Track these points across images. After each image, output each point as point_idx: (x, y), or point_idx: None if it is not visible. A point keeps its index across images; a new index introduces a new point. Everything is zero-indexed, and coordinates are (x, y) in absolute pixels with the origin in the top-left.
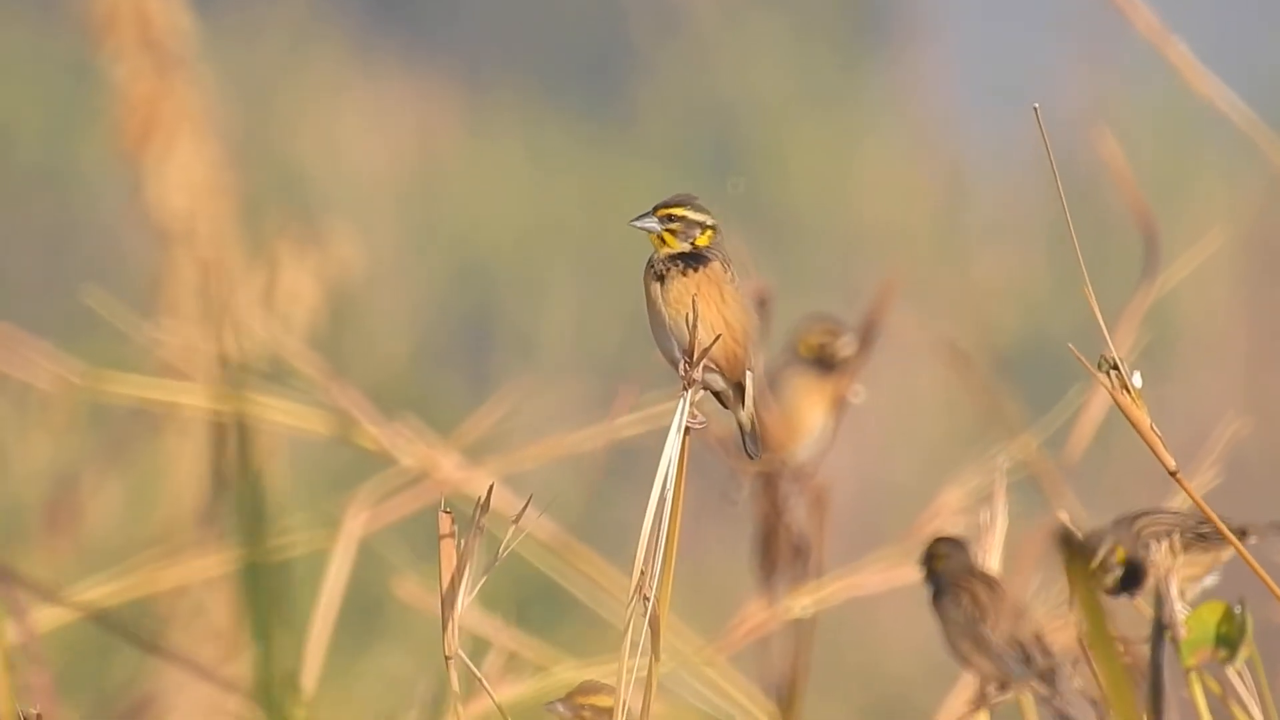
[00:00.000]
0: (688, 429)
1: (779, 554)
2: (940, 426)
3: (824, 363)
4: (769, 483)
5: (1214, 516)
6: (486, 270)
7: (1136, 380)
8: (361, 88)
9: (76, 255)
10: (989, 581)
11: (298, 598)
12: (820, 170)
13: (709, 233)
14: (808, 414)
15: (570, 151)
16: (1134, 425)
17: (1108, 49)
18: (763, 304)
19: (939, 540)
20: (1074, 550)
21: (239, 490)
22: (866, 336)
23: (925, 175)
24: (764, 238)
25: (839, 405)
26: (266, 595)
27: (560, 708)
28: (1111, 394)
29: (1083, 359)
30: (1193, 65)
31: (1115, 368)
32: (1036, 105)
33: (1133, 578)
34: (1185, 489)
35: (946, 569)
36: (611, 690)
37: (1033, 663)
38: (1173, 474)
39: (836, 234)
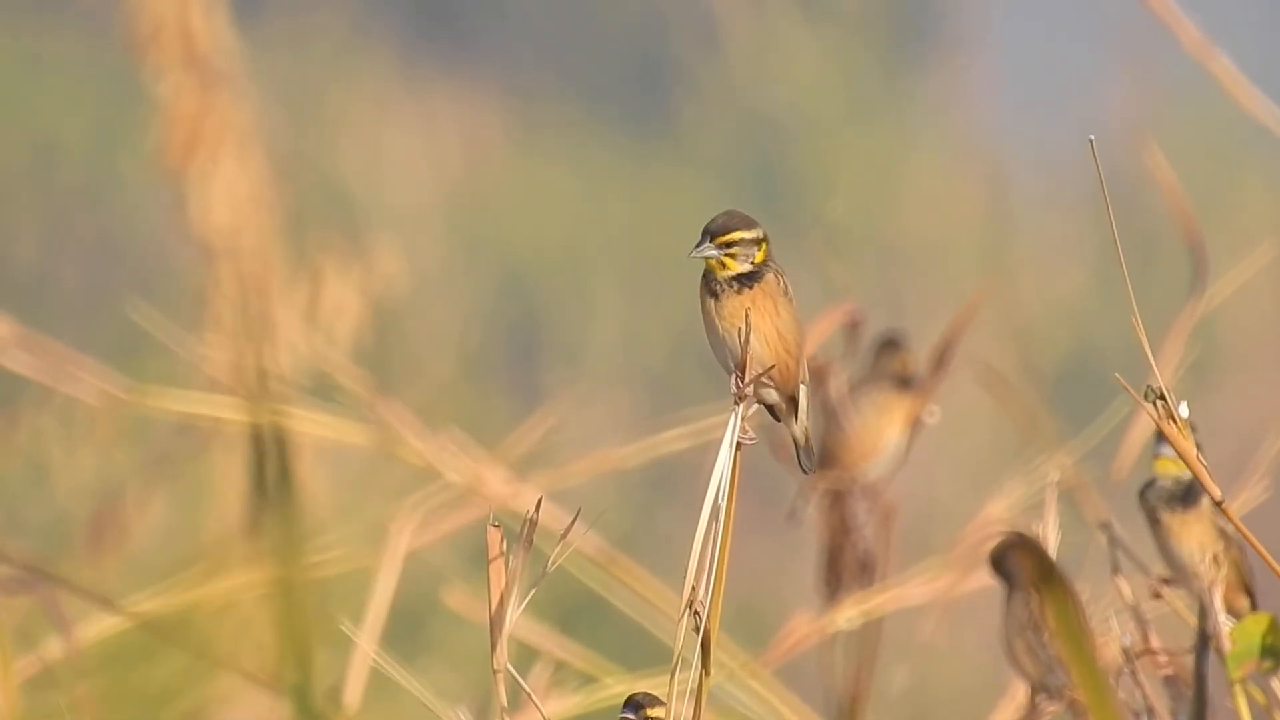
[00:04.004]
0: (739, 444)
1: (845, 570)
2: (982, 440)
3: (899, 379)
4: (838, 499)
5: (1261, 549)
6: (532, 283)
7: (1183, 410)
8: (406, 101)
9: (121, 270)
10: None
11: (344, 612)
12: (864, 183)
13: (764, 246)
14: (882, 431)
15: (615, 164)
16: (1181, 456)
17: (1152, 62)
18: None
19: (1012, 539)
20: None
21: (274, 505)
22: (943, 356)
23: (969, 188)
24: (806, 249)
25: (913, 424)
26: (301, 612)
27: (632, 718)
28: (1158, 423)
29: (1129, 388)
30: (1237, 79)
31: (1162, 397)
32: (1092, 137)
33: None
34: (1232, 520)
35: (1018, 569)
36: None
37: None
38: (1218, 504)
39: (880, 246)
